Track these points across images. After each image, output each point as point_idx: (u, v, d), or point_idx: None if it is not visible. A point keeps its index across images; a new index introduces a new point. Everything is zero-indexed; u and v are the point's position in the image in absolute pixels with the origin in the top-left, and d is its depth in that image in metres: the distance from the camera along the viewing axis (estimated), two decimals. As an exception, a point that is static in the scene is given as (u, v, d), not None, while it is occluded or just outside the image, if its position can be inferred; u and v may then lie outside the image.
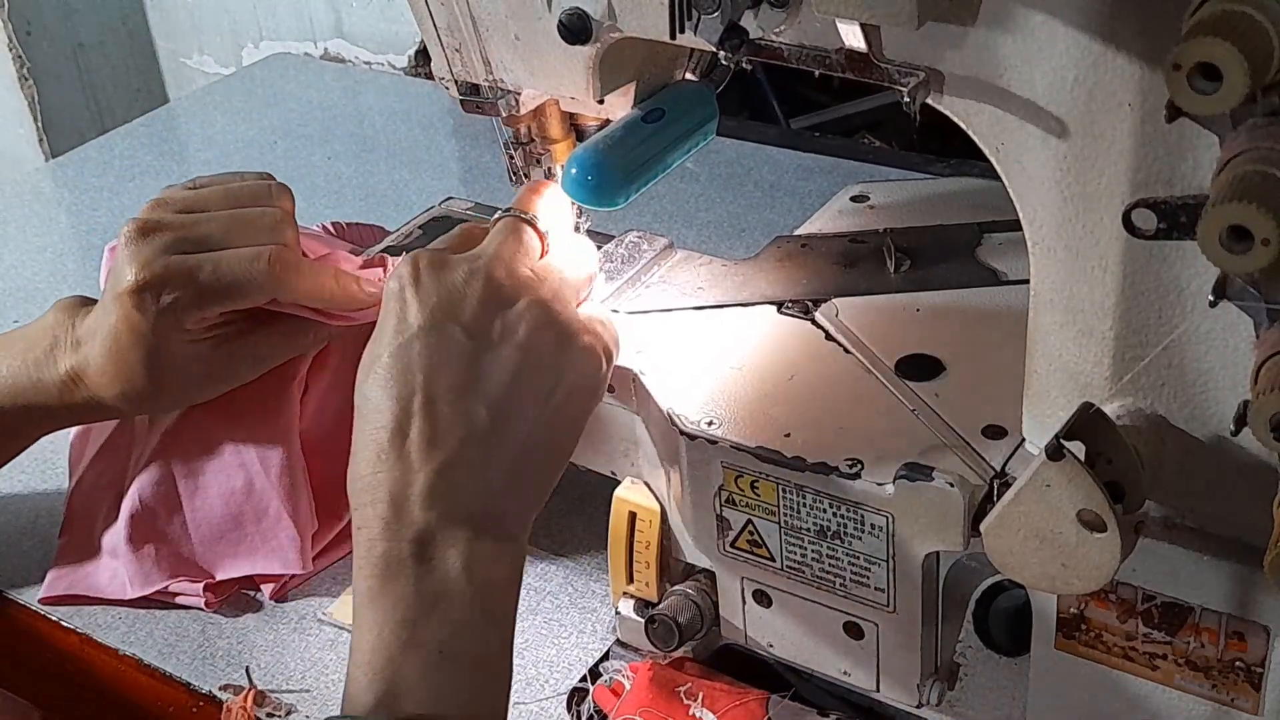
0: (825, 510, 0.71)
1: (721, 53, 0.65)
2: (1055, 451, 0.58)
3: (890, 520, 0.69)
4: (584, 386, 0.73)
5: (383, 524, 0.66)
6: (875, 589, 0.71)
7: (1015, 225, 0.63)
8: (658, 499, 0.79)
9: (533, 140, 0.84)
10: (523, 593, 0.89)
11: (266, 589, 0.91)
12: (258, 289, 0.82)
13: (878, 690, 0.75)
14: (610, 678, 0.82)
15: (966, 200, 0.90)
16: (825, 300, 0.82)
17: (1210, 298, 0.53)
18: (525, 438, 0.70)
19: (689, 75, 0.80)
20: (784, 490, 0.72)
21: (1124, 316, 0.61)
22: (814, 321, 0.81)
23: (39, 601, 0.91)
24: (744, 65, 0.68)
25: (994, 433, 0.70)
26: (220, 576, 0.90)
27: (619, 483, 0.82)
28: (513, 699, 0.82)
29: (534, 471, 0.71)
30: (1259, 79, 0.47)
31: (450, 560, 0.66)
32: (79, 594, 0.91)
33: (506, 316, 0.71)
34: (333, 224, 1.08)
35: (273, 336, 0.87)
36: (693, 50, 0.79)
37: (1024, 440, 0.69)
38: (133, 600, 0.91)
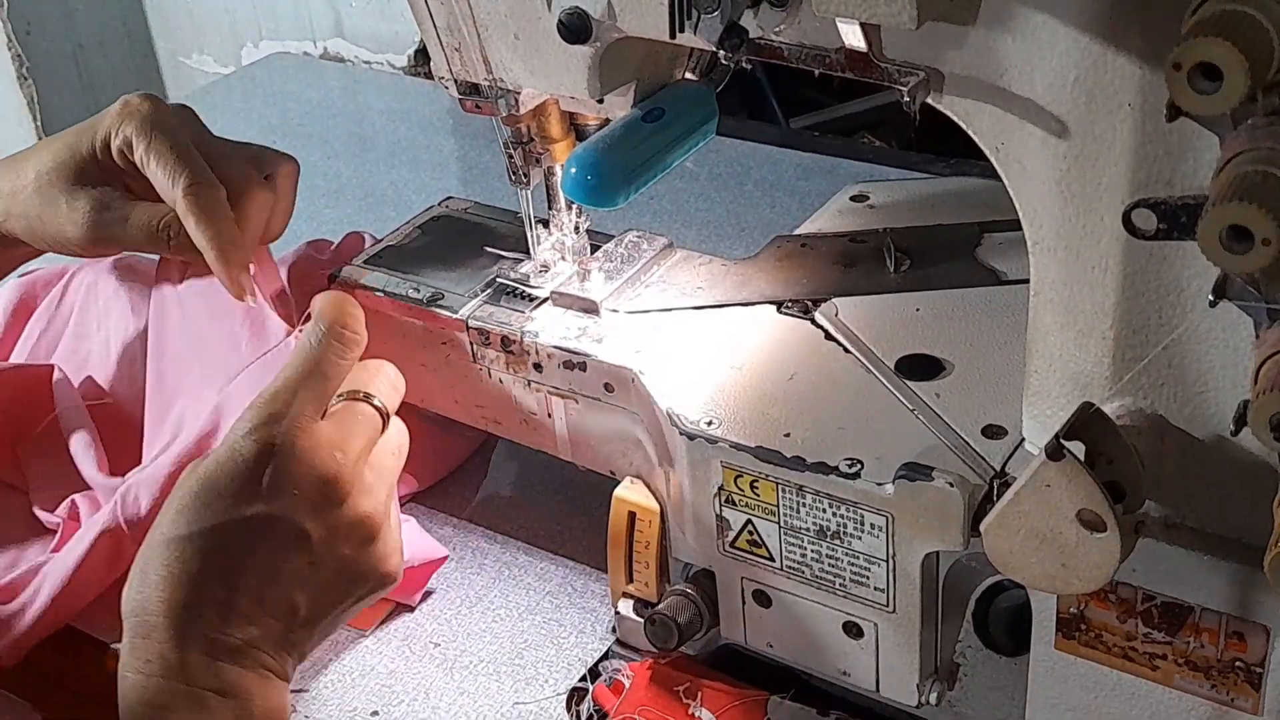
0: (825, 510, 0.71)
1: (721, 52, 0.65)
2: (1055, 451, 0.58)
3: (890, 520, 0.69)
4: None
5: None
6: (875, 589, 0.71)
7: (1015, 225, 0.63)
8: (657, 499, 0.79)
9: (532, 140, 0.84)
10: (522, 592, 0.90)
11: None
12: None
13: (877, 690, 0.75)
14: (610, 677, 0.82)
15: (966, 200, 0.90)
16: (825, 300, 0.82)
17: (1210, 298, 0.53)
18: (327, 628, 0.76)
19: (689, 75, 0.80)
20: (783, 490, 0.72)
21: (1124, 316, 0.61)
22: (814, 321, 0.81)
23: None
24: (744, 65, 0.68)
25: (994, 433, 0.70)
26: None
27: (619, 483, 0.82)
28: (513, 699, 0.82)
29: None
30: (1259, 79, 0.47)
31: None
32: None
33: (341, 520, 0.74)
34: (318, 241, 1.07)
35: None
36: (692, 49, 0.79)
37: (1024, 440, 0.69)
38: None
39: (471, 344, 0.86)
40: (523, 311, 0.85)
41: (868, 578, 0.71)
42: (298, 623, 0.73)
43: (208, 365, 0.91)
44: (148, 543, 0.72)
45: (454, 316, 0.86)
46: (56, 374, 0.98)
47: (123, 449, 0.95)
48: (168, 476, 0.86)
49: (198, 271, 0.91)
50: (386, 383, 0.80)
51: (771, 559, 0.74)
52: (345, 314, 0.78)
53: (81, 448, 0.94)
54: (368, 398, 0.79)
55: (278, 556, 0.72)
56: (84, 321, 1.03)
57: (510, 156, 0.85)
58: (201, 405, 0.90)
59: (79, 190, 0.89)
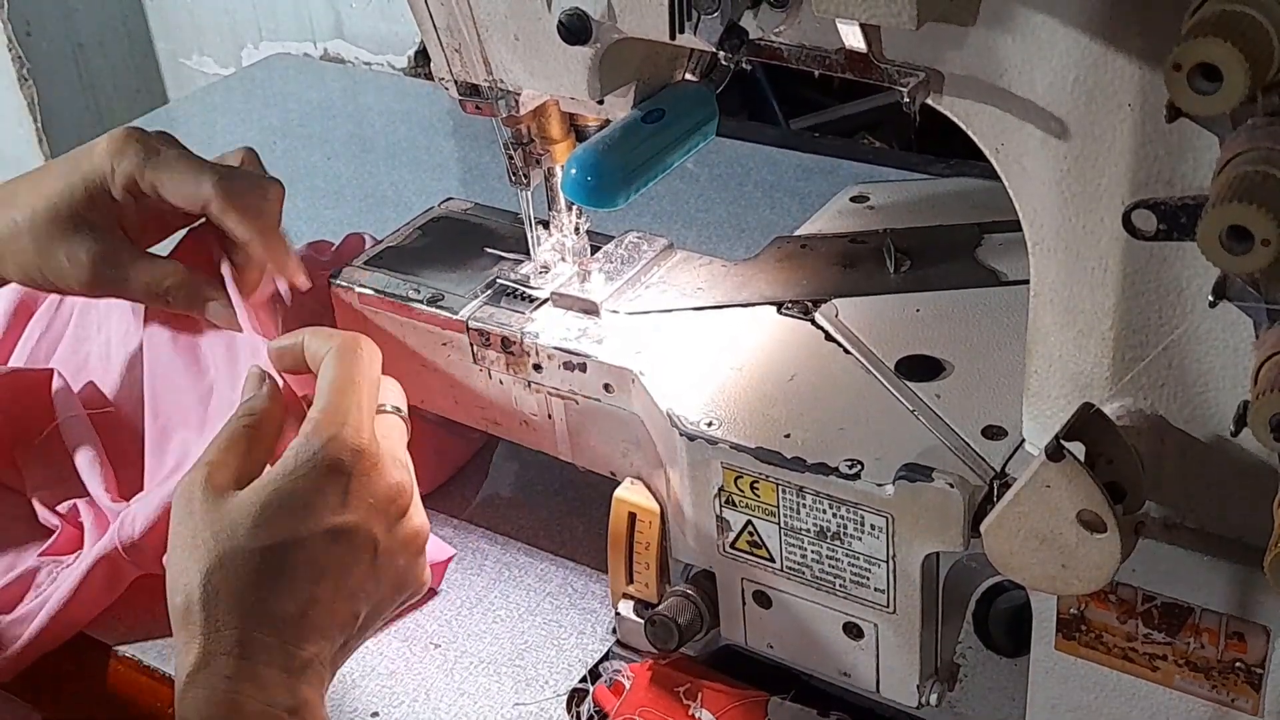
0: (825, 511, 0.71)
1: (721, 53, 0.65)
2: (1055, 452, 0.58)
3: (890, 521, 0.69)
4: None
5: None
6: (875, 589, 0.71)
7: (1015, 225, 0.63)
8: (658, 499, 0.79)
9: (532, 140, 0.84)
10: (523, 593, 0.90)
11: None
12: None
13: (878, 691, 0.75)
14: (610, 678, 0.82)
15: (966, 200, 0.90)
16: (825, 301, 0.82)
17: (1210, 298, 0.53)
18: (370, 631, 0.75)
19: (689, 75, 0.80)
20: (784, 491, 0.72)
21: (1124, 316, 0.61)
22: (814, 322, 0.81)
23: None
24: (744, 65, 0.68)
25: (994, 433, 0.70)
26: None
27: (619, 483, 0.82)
28: (513, 699, 0.83)
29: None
30: (1259, 79, 0.47)
31: None
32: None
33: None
34: (319, 242, 1.07)
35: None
36: (692, 50, 0.79)
37: (1024, 440, 0.69)
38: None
39: (472, 345, 0.86)
40: (523, 312, 0.85)
41: (868, 578, 0.71)
42: (353, 635, 0.72)
43: (203, 392, 0.91)
44: (220, 557, 0.69)
45: (454, 317, 0.86)
46: (56, 381, 0.98)
47: (124, 456, 0.95)
48: (164, 500, 0.86)
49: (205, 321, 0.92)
50: (399, 394, 0.80)
51: (772, 560, 0.74)
52: (348, 334, 0.78)
53: (87, 463, 0.94)
54: (396, 410, 0.78)
55: (350, 567, 0.71)
56: (84, 324, 1.03)
57: (510, 157, 0.85)
58: (203, 433, 0.90)
59: (75, 237, 0.87)
